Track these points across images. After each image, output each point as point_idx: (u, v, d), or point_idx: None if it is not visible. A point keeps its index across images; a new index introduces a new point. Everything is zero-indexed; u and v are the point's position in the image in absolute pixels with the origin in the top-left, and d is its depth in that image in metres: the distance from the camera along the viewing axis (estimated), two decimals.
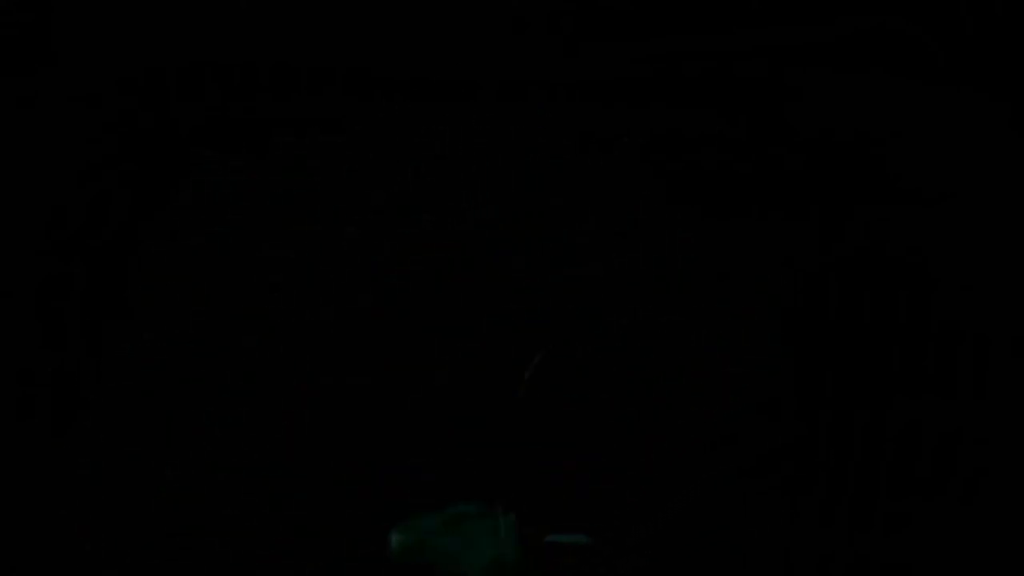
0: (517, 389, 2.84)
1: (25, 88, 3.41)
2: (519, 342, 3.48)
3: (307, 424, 2.88)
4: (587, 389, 3.01)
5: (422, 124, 3.77)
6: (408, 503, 2.77)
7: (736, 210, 3.43)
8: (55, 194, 3.29)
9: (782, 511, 2.60)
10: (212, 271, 3.27)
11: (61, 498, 2.69)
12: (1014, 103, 3.22)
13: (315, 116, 3.84)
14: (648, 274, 3.06)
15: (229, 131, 3.75)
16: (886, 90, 3.36)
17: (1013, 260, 3.01)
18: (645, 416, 2.87)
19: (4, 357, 2.96)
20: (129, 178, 3.37)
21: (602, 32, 3.65)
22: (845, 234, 3.19)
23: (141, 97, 3.50)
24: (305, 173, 3.81)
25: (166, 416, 2.93)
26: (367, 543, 2.62)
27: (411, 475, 2.87)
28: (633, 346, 2.95)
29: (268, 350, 3.23)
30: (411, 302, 3.43)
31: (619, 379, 2.97)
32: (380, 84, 3.87)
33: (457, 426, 3.08)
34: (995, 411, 2.74)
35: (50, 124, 3.36)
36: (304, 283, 3.61)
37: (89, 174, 3.33)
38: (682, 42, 3.59)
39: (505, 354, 3.40)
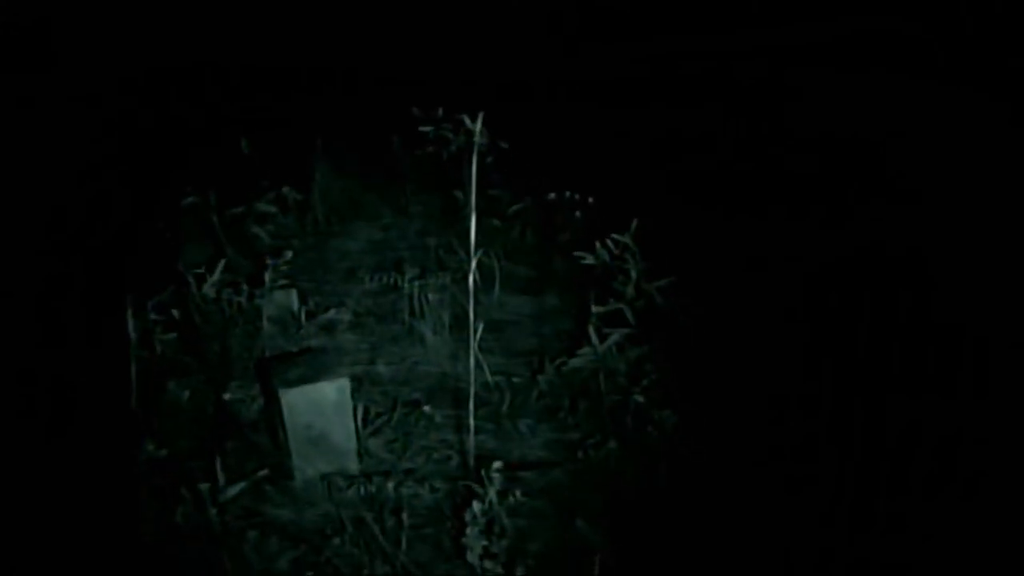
0: None
1: (25, 88, 3.41)
2: (519, 339, 3.49)
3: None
4: (586, 388, 3.01)
5: (422, 124, 3.77)
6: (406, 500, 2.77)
7: (736, 209, 3.43)
8: (55, 194, 3.29)
9: (782, 511, 2.60)
10: (211, 270, 3.27)
11: (61, 498, 2.69)
12: (1014, 103, 3.22)
13: (314, 116, 3.84)
14: (648, 273, 3.06)
15: (229, 131, 3.76)
16: (886, 90, 3.36)
17: (1013, 260, 3.01)
18: (645, 415, 2.87)
19: (4, 357, 2.96)
20: (129, 178, 3.37)
21: (602, 32, 3.65)
22: (845, 234, 3.19)
23: (141, 97, 3.50)
24: (305, 172, 3.82)
25: (166, 416, 2.93)
26: (365, 541, 2.62)
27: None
28: (633, 345, 2.95)
29: (267, 349, 3.24)
30: (410, 302, 3.44)
31: (618, 378, 2.97)
32: (380, 84, 3.88)
33: (461, 418, 3.08)
34: (995, 411, 2.74)
35: (50, 124, 3.36)
36: (303, 282, 3.62)
37: (89, 174, 3.33)
38: (682, 42, 3.59)
39: (505, 352, 3.41)
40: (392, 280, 3.54)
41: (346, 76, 4.00)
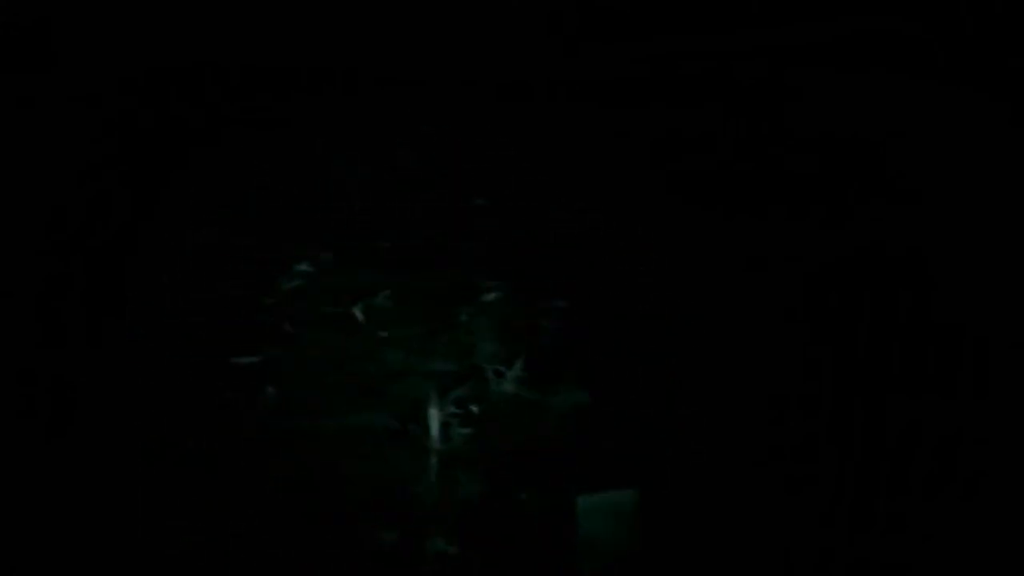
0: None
1: (25, 88, 3.41)
2: (520, 338, 3.49)
3: (305, 423, 2.88)
4: (588, 387, 3.01)
5: (423, 124, 3.77)
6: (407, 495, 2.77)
7: (736, 209, 3.43)
8: (55, 194, 3.29)
9: (782, 511, 2.60)
10: (212, 271, 3.27)
11: (61, 498, 2.69)
12: (1014, 103, 3.22)
13: (315, 116, 3.84)
14: (649, 273, 3.06)
15: (229, 131, 3.75)
16: (886, 90, 3.36)
17: (1013, 260, 3.01)
18: (645, 415, 2.87)
19: (4, 357, 2.96)
20: (129, 178, 3.37)
21: (602, 32, 3.65)
22: (845, 234, 3.19)
23: (141, 97, 3.50)
24: (306, 173, 3.82)
25: (165, 416, 2.93)
26: (364, 539, 2.62)
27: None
28: (634, 344, 2.95)
29: (559, 449, 3.22)
30: (411, 307, 3.44)
31: (618, 377, 2.97)
32: (380, 84, 3.87)
33: (468, 415, 3.08)
34: (995, 411, 2.74)
35: (50, 124, 3.36)
36: (303, 281, 3.62)
37: (89, 174, 3.33)
38: (682, 42, 3.58)
39: (506, 351, 3.41)
40: None
41: (346, 76, 4.00)
